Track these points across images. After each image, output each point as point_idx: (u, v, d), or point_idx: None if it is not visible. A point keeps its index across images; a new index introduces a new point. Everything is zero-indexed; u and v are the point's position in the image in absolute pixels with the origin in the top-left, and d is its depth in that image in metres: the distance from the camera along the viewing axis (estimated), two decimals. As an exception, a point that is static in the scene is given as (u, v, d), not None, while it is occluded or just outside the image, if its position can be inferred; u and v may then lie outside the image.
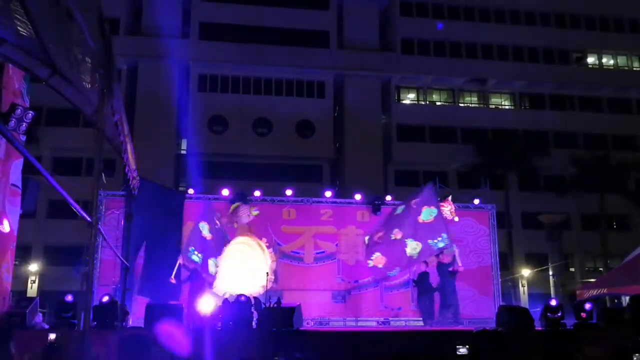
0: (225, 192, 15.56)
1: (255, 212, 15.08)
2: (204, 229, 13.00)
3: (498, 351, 3.09)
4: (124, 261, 5.61)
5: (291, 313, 8.58)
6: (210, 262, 12.84)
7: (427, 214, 13.49)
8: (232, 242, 13.61)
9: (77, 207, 3.45)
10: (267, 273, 11.88)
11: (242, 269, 12.72)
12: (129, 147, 5.31)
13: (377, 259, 13.62)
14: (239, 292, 12.03)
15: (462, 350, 4.47)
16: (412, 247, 13.18)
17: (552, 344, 7.69)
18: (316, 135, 31.60)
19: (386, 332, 9.84)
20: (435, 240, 13.16)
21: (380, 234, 14.13)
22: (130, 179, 5.90)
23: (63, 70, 3.33)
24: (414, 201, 13.96)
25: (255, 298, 8.13)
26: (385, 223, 14.52)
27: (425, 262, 14.01)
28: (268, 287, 11.51)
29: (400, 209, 14.52)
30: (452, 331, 8.35)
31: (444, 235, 13.15)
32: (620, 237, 30.30)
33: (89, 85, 3.72)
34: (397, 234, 13.40)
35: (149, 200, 11.33)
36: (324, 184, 30.22)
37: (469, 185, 30.25)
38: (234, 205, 14.67)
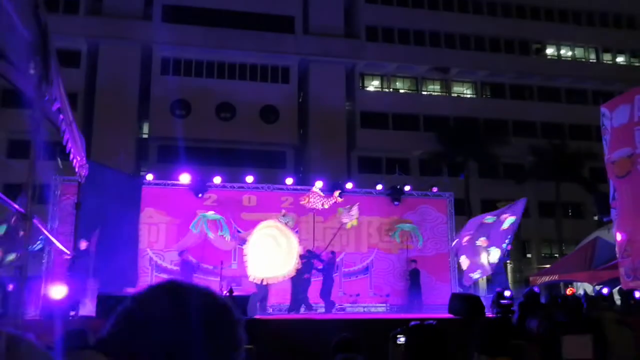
0: (184, 177, 15.42)
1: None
2: None
3: (432, 344, 3.18)
4: (68, 250, 5.48)
5: (245, 302, 8.60)
6: None
7: (508, 223, 14.38)
8: (259, 227, 13.08)
9: (7, 200, 3.37)
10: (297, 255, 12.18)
11: (275, 253, 12.55)
12: (76, 134, 5.22)
13: (463, 260, 14.59)
14: (274, 277, 12.08)
15: (402, 340, 4.62)
16: (494, 254, 14.11)
17: (500, 330, 7.89)
18: (280, 121, 31.50)
19: (333, 320, 9.97)
20: (504, 244, 14.12)
21: (467, 238, 15.02)
22: (77, 167, 5.78)
23: (7, 54, 3.24)
24: (504, 215, 14.82)
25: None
26: (475, 229, 15.17)
27: (333, 253, 14.86)
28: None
29: (490, 219, 15.22)
30: (392, 320, 8.53)
31: (510, 238, 14.16)
32: (575, 224, 31.21)
33: (33, 72, 3.63)
34: (483, 242, 14.32)
35: (103, 185, 11.12)
36: (288, 170, 30.20)
37: (430, 172, 30.78)
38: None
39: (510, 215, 14.50)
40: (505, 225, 14.34)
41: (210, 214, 15.35)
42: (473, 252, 14.56)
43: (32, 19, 3.20)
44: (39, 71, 3.43)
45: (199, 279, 13.09)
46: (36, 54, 3.33)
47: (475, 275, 14.73)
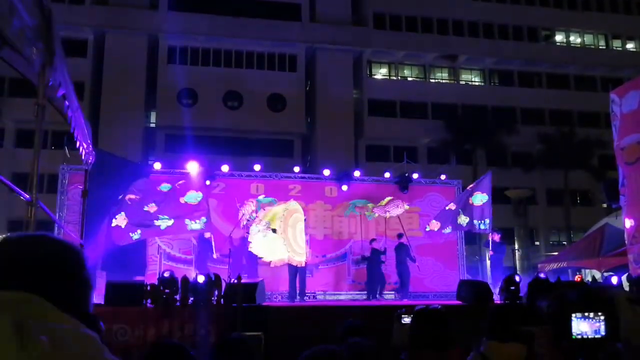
0: (191, 166, 15.40)
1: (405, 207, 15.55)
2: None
3: (436, 327, 3.20)
4: (78, 238, 5.51)
5: (253, 289, 8.60)
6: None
7: (478, 199, 14.91)
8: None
9: (12, 186, 3.37)
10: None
11: (294, 236, 13.03)
12: (82, 121, 5.21)
13: (433, 224, 15.15)
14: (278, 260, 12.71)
15: (406, 320, 4.67)
16: (462, 219, 14.85)
17: (510, 316, 7.87)
18: (287, 109, 31.44)
19: (344, 307, 9.99)
20: (479, 222, 14.71)
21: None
22: (83, 154, 5.80)
23: (13, 41, 3.22)
24: (470, 186, 15.73)
25: (215, 275, 8.14)
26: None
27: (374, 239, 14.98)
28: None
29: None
30: (399, 306, 8.52)
31: (487, 221, 14.62)
32: (583, 211, 31.07)
33: (36, 57, 3.60)
34: (452, 206, 15.16)
35: (111, 174, 11.13)
36: (295, 158, 30.19)
37: (438, 160, 30.68)
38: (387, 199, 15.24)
39: (479, 191, 14.95)
40: (476, 201, 14.84)
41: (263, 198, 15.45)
42: (442, 214, 15.18)
43: (36, 4, 3.18)
44: (42, 56, 3.42)
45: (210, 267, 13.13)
46: (39, 39, 3.31)
47: (447, 230, 15.19)
